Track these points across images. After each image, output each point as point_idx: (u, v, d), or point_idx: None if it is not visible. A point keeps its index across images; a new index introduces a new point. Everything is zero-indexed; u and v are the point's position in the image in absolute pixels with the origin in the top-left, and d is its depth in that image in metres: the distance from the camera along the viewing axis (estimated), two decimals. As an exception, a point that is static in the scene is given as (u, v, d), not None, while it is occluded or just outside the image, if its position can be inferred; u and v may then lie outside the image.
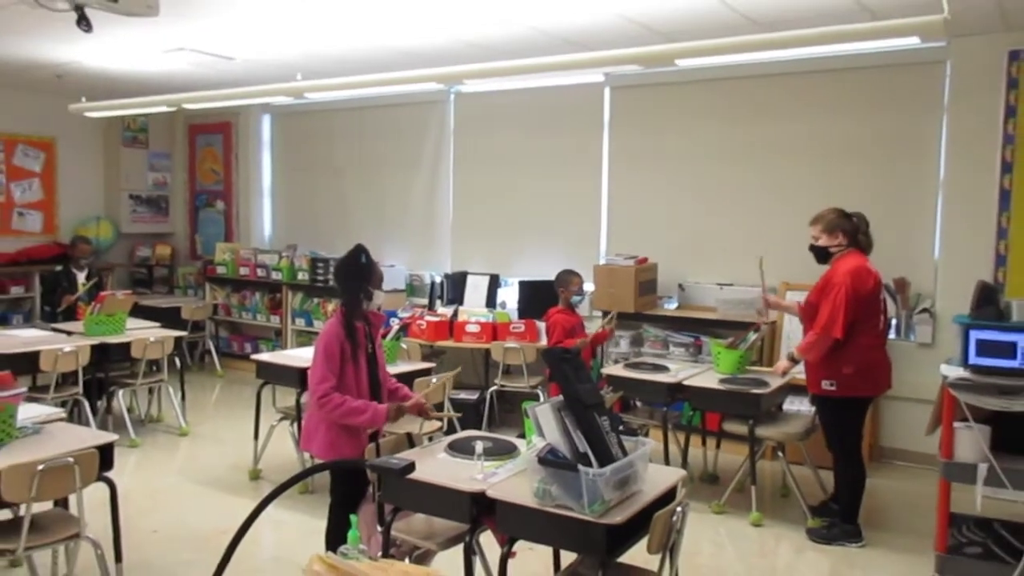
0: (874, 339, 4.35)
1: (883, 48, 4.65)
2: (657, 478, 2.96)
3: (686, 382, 4.90)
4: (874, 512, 4.78)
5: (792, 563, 4.34)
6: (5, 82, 7.96)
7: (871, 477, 4.61)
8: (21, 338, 5.96)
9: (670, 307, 6.47)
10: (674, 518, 2.71)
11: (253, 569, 3.98)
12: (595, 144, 6.97)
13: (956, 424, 3.60)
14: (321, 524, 3.74)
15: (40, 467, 3.07)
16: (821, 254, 4.47)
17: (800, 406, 5.40)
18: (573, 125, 7.07)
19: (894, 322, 5.48)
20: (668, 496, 2.92)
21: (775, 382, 4.80)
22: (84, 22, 3.89)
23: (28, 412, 3.62)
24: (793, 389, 5.12)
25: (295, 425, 5.21)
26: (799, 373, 4.76)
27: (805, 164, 6.08)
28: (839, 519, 4.45)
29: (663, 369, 5.22)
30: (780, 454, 4.90)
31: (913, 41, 4.02)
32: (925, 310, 5.62)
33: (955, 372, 3.60)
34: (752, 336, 5.11)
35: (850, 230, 4.40)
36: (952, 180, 5.55)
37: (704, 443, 5.52)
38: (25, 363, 5.36)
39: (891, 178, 5.78)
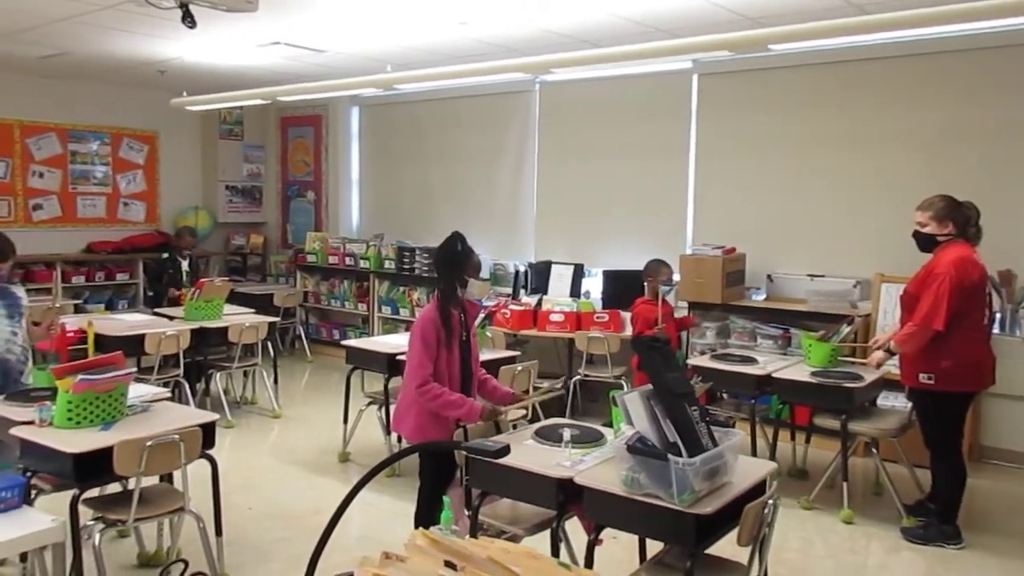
0: (977, 332, 4.17)
1: (989, 29, 4.42)
2: (747, 470, 2.92)
3: (775, 374, 4.80)
4: (974, 513, 4.59)
5: (885, 562, 4.21)
6: (112, 78, 8.36)
7: (971, 477, 4.42)
8: (127, 322, 6.26)
9: (758, 298, 6.34)
10: (765, 511, 2.67)
11: (341, 548, 4.08)
12: (682, 132, 6.87)
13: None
14: (406, 507, 3.83)
15: (148, 443, 3.23)
16: (926, 241, 4.29)
17: (895, 401, 5.22)
18: (659, 113, 6.98)
19: (998, 316, 5.23)
20: (757, 489, 2.88)
21: (869, 376, 4.66)
22: (188, 18, 4.06)
23: (136, 391, 3.80)
24: (888, 384, 4.96)
25: (383, 410, 5.34)
26: (894, 367, 4.61)
27: (902, 151, 5.86)
28: (936, 519, 4.30)
29: (751, 361, 5.12)
30: (873, 450, 4.75)
31: (1026, 20, 3.82)
32: (1032, 304, 5.36)
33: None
34: (845, 329, 4.97)
35: (960, 220, 4.21)
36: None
37: (793, 437, 5.39)
38: (131, 346, 5.62)
39: (997, 166, 5.51)
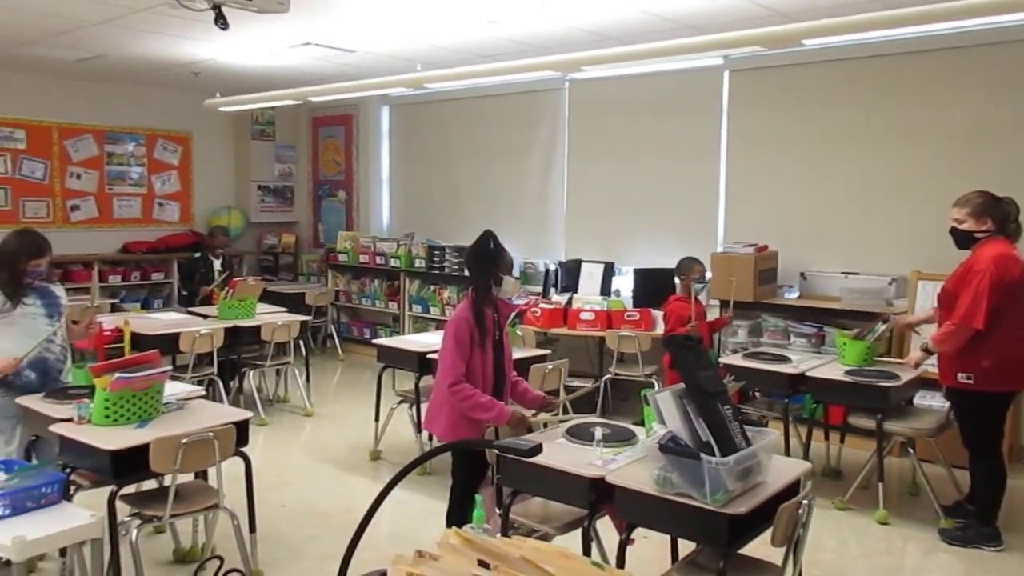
0: (1018, 331, 4.08)
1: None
2: (781, 470, 2.89)
3: (809, 373, 4.74)
4: (1014, 515, 4.50)
5: (921, 564, 4.15)
6: (147, 80, 8.48)
7: (1011, 478, 4.33)
8: (162, 321, 6.35)
9: (791, 296, 6.27)
10: (800, 511, 2.64)
11: (372, 545, 4.08)
12: (713, 129, 6.82)
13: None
14: (437, 505, 3.84)
15: (184, 440, 3.28)
16: (963, 239, 4.21)
17: (932, 401, 5.14)
18: (690, 110, 6.93)
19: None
20: (791, 489, 2.85)
21: (906, 375, 4.59)
22: (221, 20, 4.10)
23: (171, 389, 3.86)
24: (925, 383, 4.88)
25: (414, 408, 5.36)
26: (931, 366, 4.53)
27: (939, 146, 5.75)
28: (975, 521, 4.22)
29: (784, 359, 5.06)
30: (910, 450, 4.68)
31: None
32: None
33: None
34: (881, 327, 4.90)
35: (999, 216, 4.13)
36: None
37: (827, 437, 5.33)
38: (166, 344, 5.70)
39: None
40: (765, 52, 6.04)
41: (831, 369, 4.81)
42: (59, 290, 4.11)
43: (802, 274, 6.30)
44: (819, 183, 6.30)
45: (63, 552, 3.37)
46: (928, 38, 5.44)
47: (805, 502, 2.68)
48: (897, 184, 5.94)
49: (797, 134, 6.38)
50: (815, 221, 6.34)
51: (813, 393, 4.92)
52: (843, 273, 6.05)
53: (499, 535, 3.12)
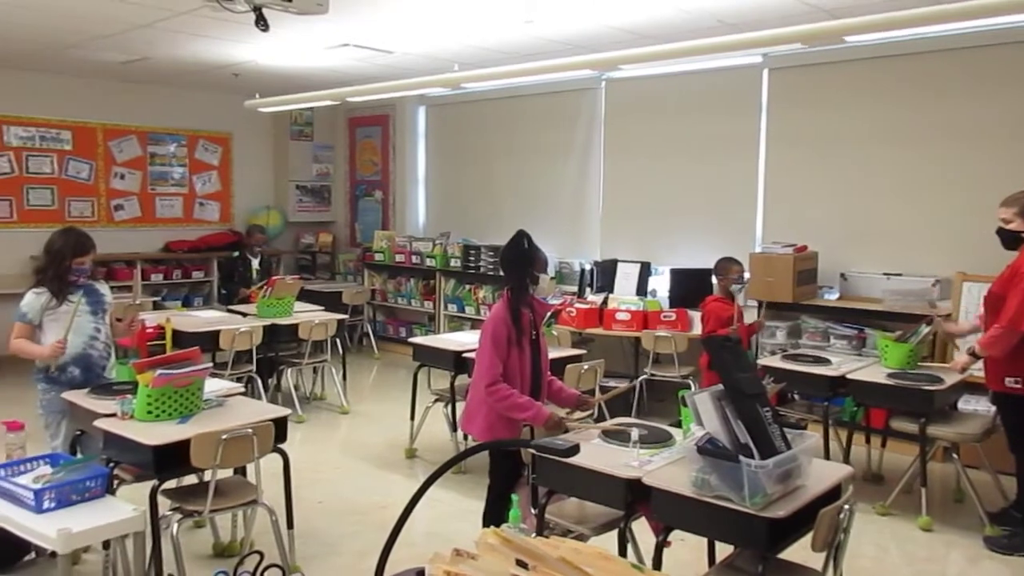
0: (1068, 334, 3.98)
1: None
2: (821, 474, 2.84)
3: (850, 375, 4.66)
4: (1063, 523, 4.38)
5: (965, 572, 4.06)
6: (188, 81, 8.63)
7: (1060, 485, 4.23)
8: (202, 319, 6.45)
9: (831, 297, 6.17)
10: (841, 516, 2.60)
11: (407, 543, 4.10)
12: (751, 128, 6.74)
13: None
14: (472, 504, 3.84)
15: (224, 436, 3.32)
16: (1010, 239, 4.11)
17: (977, 405, 5.03)
18: (728, 109, 6.86)
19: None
20: (831, 493, 2.80)
21: (950, 378, 4.49)
22: (261, 22, 4.15)
23: (211, 386, 3.91)
24: (970, 387, 4.78)
25: (449, 407, 5.37)
26: (977, 370, 4.43)
27: (983, 146, 5.62)
28: (1022, 528, 4.11)
29: (824, 362, 4.99)
30: (954, 455, 4.58)
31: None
32: None
33: None
34: (924, 329, 4.80)
35: None
36: None
37: (868, 441, 5.24)
38: (206, 341, 5.78)
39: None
40: (806, 50, 5.96)
41: (873, 372, 4.72)
42: (104, 288, 4.19)
43: (842, 275, 6.20)
44: (860, 182, 6.20)
45: (106, 545, 3.42)
46: (973, 34, 5.32)
47: (846, 507, 2.63)
48: (941, 183, 5.82)
49: (838, 132, 6.28)
50: (856, 221, 6.23)
51: (854, 396, 4.83)
52: (885, 274, 5.95)
53: (535, 535, 3.13)
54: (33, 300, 3.92)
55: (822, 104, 6.35)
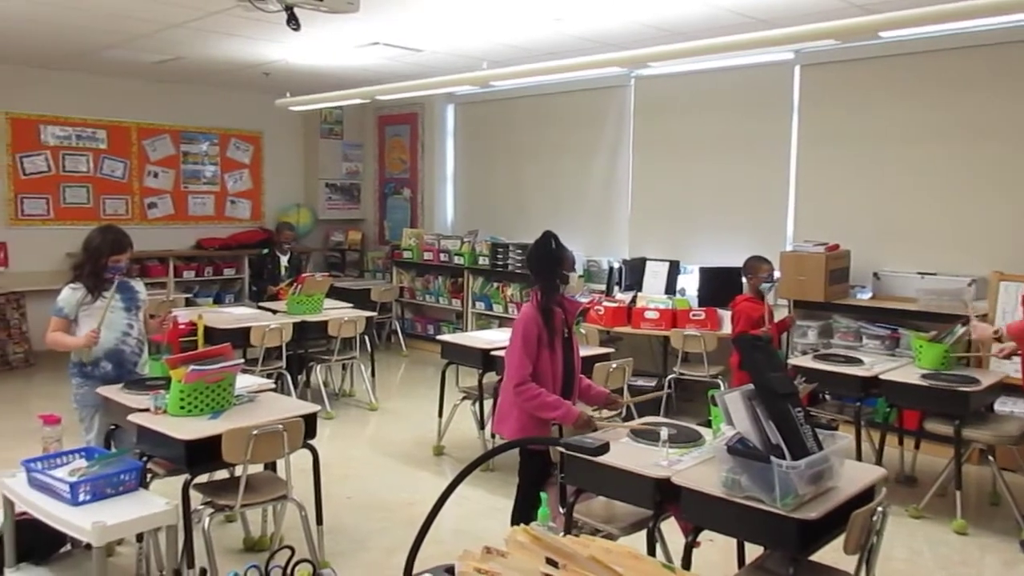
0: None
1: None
2: (854, 475, 2.80)
3: (883, 376, 4.60)
4: (1103, 528, 4.30)
5: (1002, 577, 3.99)
6: (220, 81, 8.72)
7: (1100, 489, 4.14)
8: (234, 315, 6.51)
9: (863, 297, 6.08)
10: (874, 518, 2.56)
11: (435, 540, 4.10)
12: (782, 125, 6.67)
13: None
14: (500, 502, 3.84)
15: (254, 432, 3.35)
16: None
17: (1014, 407, 4.94)
18: (759, 106, 6.79)
19: None
20: (864, 495, 2.76)
21: (986, 379, 4.41)
22: (293, 21, 4.18)
23: (243, 382, 3.95)
24: (1007, 388, 4.69)
25: (477, 405, 5.38)
26: (1015, 372, 4.35)
27: (1019, 143, 5.51)
28: (1060, 533, 4.04)
29: (856, 362, 4.93)
30: (990, 458, 4.50)
31: None
32: None
33: None
34: (959, 330, 4.72)
35: None
36: None
37: (901, 442, 5.16)
38: (237, 338, 5.83)
39: None
40: (839, 46, 5.88)
41: (906, 372, 4.66)
42: (139, 285, 4.25)
43: (875, 274, 6.11)
44: (894, 180, 6.11)
45: (140, 537, 3.47)
46: (1009, 29, 5.21)
47: (879, 509, 2.60)
48: (978, 181, 5.72)
49: (871, 129, 6.19)
50: (889, 219, 6.15)
51: (887, 397, 4.76)
52: (919, 273, 5.86)
53: (563, 534, 3.12)
54: (69, 295, 3.98)
55: (855, 101, 6.26)
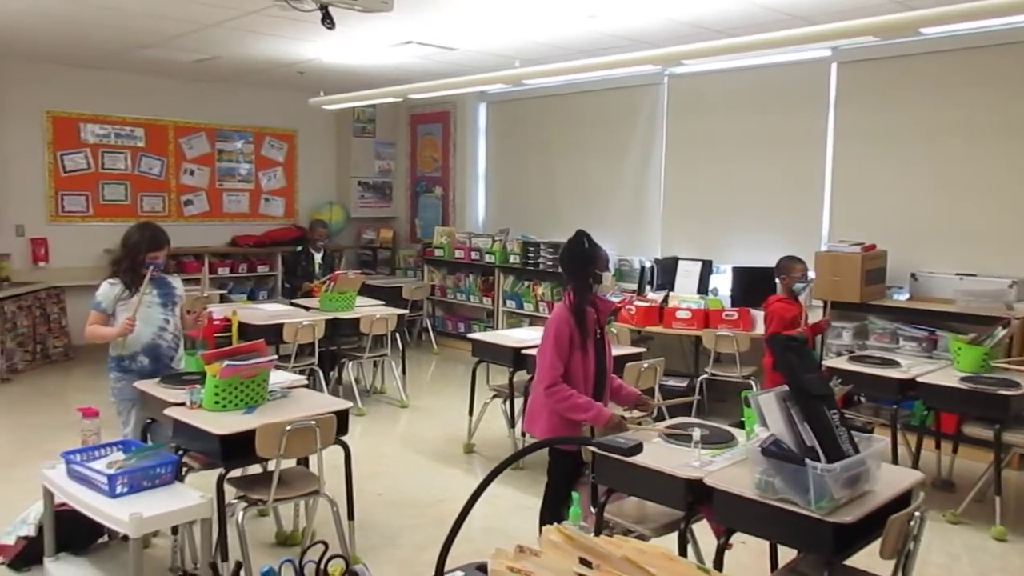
0: None
1: None
2: (890, 479, 2.76)
3: (920, 379, 4.52)
4: None
5: (1043, 585, 3.90)
6: (255, 80, 8.81)
7: None
8: (267, 312, 6.58)
9: (900, 298, 5.99)
10: (911, 523, 2.52)
11: (465, 538, 4.10)
12: (818, 124, 6.58)
13: None
14: (529, 500, 3.83)
15: (288, 427, 3.38)
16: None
17: (1057, 412, 4.82)
18: (794, 104, 6.71)
19: None
20: (901, 500, 2.72)
21: (1027, 383, 4.32)
22: (328, 20, 4.21)
23: (276, 378, 3.98)
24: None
25: (508, 403, 5.38)
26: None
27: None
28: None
29: (893, 364, 4.85)
30: (1031, 464, 4.41)
31: None
32: None
33: None
34: (1000, 332, 4.62)
35: None
36: None
37: (938, 446, 5.07)
38: (271, 334, 5.89)
39: None
40: (877, 43, 5.80)
41: (945, 375, 4.57)
42: (176, 281, 4.31)
43: (912, 275, 6.01)
44: (932, 179, 6.00)
45: (175, 530, 3.52)
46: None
47: (917, 514, 2.55)
48: (1018, 180, 5.60)
49: (909, 127, 6.09)
50: (927, 219, 6.04)
51: (924, 400, 4.68)
52: (958, 274, 5.75)
53: (593, 534, 3.11)
54: (108, 290, 4.05)
55: (892, 98, 6.16)
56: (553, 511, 3.51)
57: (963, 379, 4.44)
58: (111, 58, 7.69)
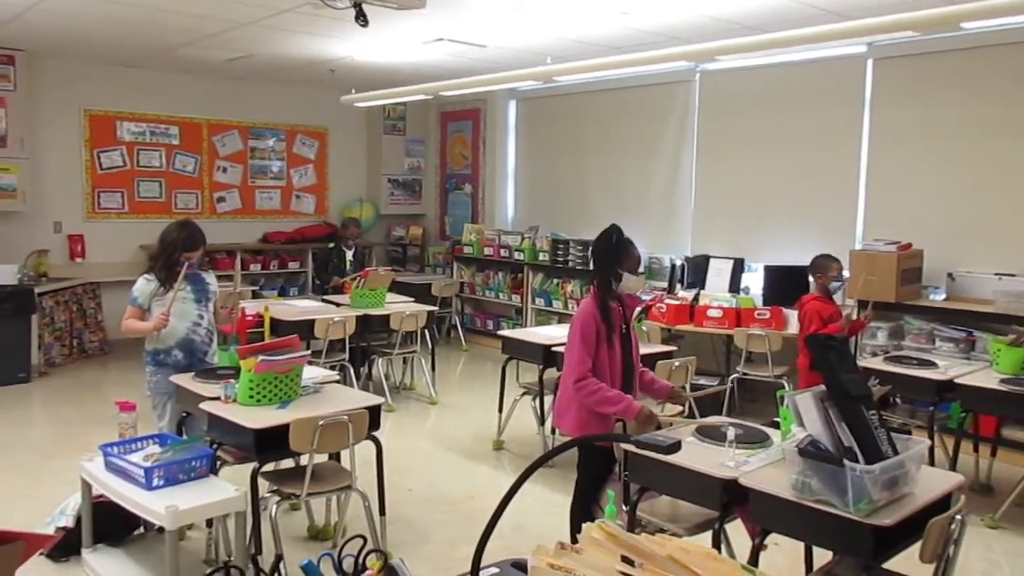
0: None
1: None
2: (929, 482, 2.71)
3: (958, 380, 4.44)
4: None
5: (1085, 592, 3.81)
6: (288, 77, 8.88)
7: None
8: (299, 308, 6.62)
9: (937, 298, 5.89)
10: (952, 526, 2.47)
11: (496, 535, 4.10)
12: (853, 120, 6.49)
13: None
14: (559, 498, 3.81)
15: (320, 422, 3.40)
16: None
17: (1099, 415, 4.71)
18: (828, 101, 6.62)
19: None
20: (940, 503, 2.67)
21: (1070, 386, 4.22)
22: (361, 17, 4.22)
23: (308, 373, 4.00)
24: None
25: (537, 400, 5.37)
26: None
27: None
28: None
29: (930, 365, 4.77)
30: (1073, 468, 4.31)
31: None
32: None
33: None
34: (1041, 333, 4.53)
35: None
36: None
37: (976, 449, 4.98)
38: (302, 330, 5.90)
39: None
40: (914, 38, 5.69)
41: (984, 377, 4.49)
42: (210, 277, 4.36)
43: (950, 274, 5.91)
44: (970, 177, 5.89)
45: (209, 523, 3.56)
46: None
47: (958, 517, 2.51)
48: (1062, 179, 5.48)
49: (946, 125, 5.98)
50: (965, 218, 5.93)
51: (962, 402, 4.60)
52: (996, 274, 5.64)
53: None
54: (144, 286, 4.11)
55: (929, 95, 6.06)
56: (583, 508, 3.50)
57: (1002, 381, 4.36)
58: (147, 57, 7.79)
